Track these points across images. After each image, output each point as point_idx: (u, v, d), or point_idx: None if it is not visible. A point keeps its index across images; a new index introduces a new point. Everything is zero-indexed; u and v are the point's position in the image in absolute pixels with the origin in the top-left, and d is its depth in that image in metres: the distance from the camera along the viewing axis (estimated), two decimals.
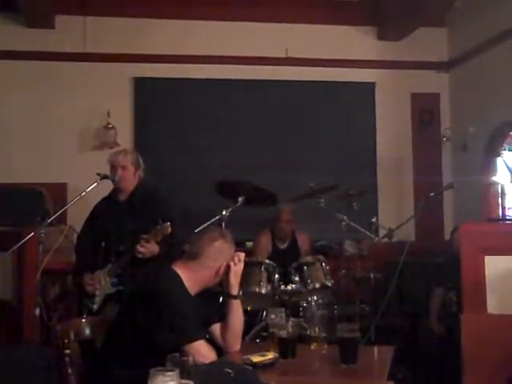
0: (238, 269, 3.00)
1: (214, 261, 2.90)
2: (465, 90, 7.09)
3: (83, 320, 2.99)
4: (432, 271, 5.26)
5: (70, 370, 2.65)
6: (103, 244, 4.47)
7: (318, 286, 4.67)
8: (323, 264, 4.78)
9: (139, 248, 4.06)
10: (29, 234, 4.24)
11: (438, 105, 7.41)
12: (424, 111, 7.36)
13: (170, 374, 1.82)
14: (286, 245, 5.56)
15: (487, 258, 3.45)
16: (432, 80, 7.34)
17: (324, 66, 7.08)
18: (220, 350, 2.88)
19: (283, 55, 7.05)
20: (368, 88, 7.23)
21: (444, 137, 7.27)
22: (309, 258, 4.87)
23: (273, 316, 3.15)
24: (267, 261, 4.72)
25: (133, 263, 4.14)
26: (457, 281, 3.65)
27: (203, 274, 2.87)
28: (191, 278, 2.83)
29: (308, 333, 3.26)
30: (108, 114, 6.60)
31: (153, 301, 2.65)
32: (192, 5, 6.86)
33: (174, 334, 2.59)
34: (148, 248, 4.08)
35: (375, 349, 3.36)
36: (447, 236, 7.03)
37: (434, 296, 4.87)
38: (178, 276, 2.81)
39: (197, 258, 2.88)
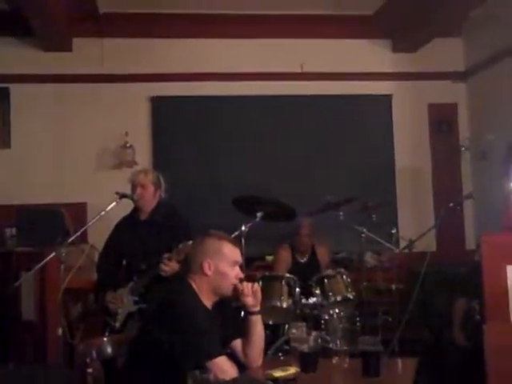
0: (254, 290, 2.94)
1: (201, 261, 2.82)
2: (482, 99, 7.07)
3: (105, 339, 3.00)
4: (454, 281, 5.21)
5: None
6: (124, 262, 4.50)
7: (339, 298, 4.66)
8: (344, 276, 4.77)
9: (163, 267, 4.08)
10: (50, 253, 4.29)
11: (456, 115, 7.39)
12: (442, 121, 7.34)
13: None
14: (305, 258, 5.55)
15: (509, 268, 3.41)
16: (449, 90, 7.33)
17: (340, 80, 7.10)
18: (242, 366, 2.87)
19: (299, 70, 7.07)
20: (385, 100, 7.23)
21: (462, 146, 7.24)
22: (329, 271, 4.85)
23: (294, 330, 3.15)
24: (288, 275, 4.71)
25: (155, 281, 4.16)
26: (479, 290, 3.61)
27: (205, 281, 2.83)
28: (201, 289, 2.82)
29: (330, 346, 3.24)
30: (126, 133, 6.66)
31: (171, 318, 2.65)
32: (207, 23, 6.92)
33: (195, 351, 2.58)
34: (172, 266, 4.10)
35: (399, 361, 3.34)
36: (468, 245, 7.00)
37: (457, 306, 4.82)
38: (193, 290, 2.81)
39: (193, 268, 2.86)
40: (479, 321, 4.24)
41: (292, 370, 2.70)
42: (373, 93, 7.18)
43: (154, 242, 4.36)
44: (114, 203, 4.34)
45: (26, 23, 6.03)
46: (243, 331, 2.95)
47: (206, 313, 2.78)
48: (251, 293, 2.89)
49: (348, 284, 4.73)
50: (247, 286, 2.89)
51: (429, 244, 5.35)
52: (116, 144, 6.75)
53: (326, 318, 4.53)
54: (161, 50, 6.94)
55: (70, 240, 4.35)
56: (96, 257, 4.80)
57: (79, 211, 6.28)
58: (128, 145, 6.70)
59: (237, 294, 2.88)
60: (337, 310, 4.59)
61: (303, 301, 4.60)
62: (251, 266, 5.53)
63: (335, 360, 3.04)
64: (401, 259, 5.59)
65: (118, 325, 4.29)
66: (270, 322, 4.36)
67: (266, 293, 4.39)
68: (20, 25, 6.19)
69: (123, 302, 4.31)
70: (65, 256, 4.24)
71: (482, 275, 3.45)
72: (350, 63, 7.13)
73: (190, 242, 3.87)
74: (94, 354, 2.77)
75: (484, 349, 3.07)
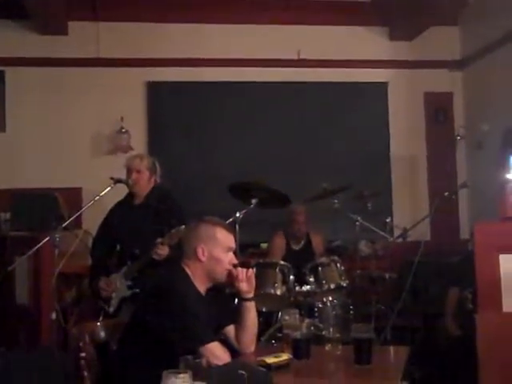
0: (248, 276, 2.94)
1: (195, 247, 2.82)
2: (478, 88, 7.06)
3: (98, 323, 3.00)
4: (447, 270, 5.24)
5: (85, 373, 2.66)
6: (118, 247, 4.51)
7: (333, 286, 4.66)
8: (338, 265, 4.77)
9: (158, 250, 4.09)
10: (44, 238, 4.29)
11: (452, 103, 7.38)
12: (437, 110, 7.34)
13: (182, 376, 1.82)
14: (300, 246, 5.56)
15: (502, 257, 3.42)
16: (445, 79, 7.32)
17: (336, 67, 7.07)
18: (235, 352, 2.88)
19: (295, 57, 7.05)
20: (381, 88, 7.22)
21: (458, 135, 7.25)
22: (323, 259, 4.85)
23: (287, 317, 3.15)
24: (282, 262, 4.71)
25: (149, 266, 4.17)
26: (472, 280, 3.62)
27: (199, 266, 2.83)
28: (195, 274, 2.83)
29: (323, 333, 3.26)
30: (121, 118, 6.64)
31: (164, 303, 2.66)
32: (204, 8, 6.87)
33: (188, 336, 2.59)
34: (165, 251, 4.11)
35: (390, 349, 3.36)
36: (463, 235, 7.02)
37: (450, 296, 4.85)
38: (187, 275, 2.81)
39: (187, 253, 2.87)
40: (471, 310, 4.27)
41: (285, 357, 2.71)
42: (369, 80, 7.16)
43: (147, 226, 4.37)
44: (109, 188, 4.33)
45: (22, 6, 5.99)
46: (236, 317, 2.96)
47: (200, 298, 2.79)
48: (246, 278, 2.90)
49: (342, 272, 4.74)
50: (242, 272, 2.90)
51: (423, 233, 5.37)
52: (111, 129, 6.73)
53: (320, 305, 4.55)
54: (157, 35, 6.89)
55: (64, 225, 4.35)
56: (90, 242, 4.81)
57: (74, 196, 6.27)
58: (123, 130, 6.68)
59: (231, 279, 2.89)
60: (330, 298, 4.61)
61: (297, 288, 4.60)
62: (245, 253, 5.53)
63: (328, 347, 3.06)
64: (395, 248, 5.60)
65: (111, 309, 4.31)
66: (264, 309, 4.37)
67: (260, 280, 4.38)
68: (15, 7, 6.14)
69: (117, 286, 4.33)
70: (59, 241, 4.23)
71: (475, 264, 3.46)
72: (346, 50, 7.10)
73: (183, 227, 3.88)
74: (88, 338, 2.78)
75: (475, 338, 3.09)
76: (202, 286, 2.84)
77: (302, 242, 5.56)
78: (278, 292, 4.51)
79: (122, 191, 4.57)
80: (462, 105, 7.36)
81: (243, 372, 2.12)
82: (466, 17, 7.14)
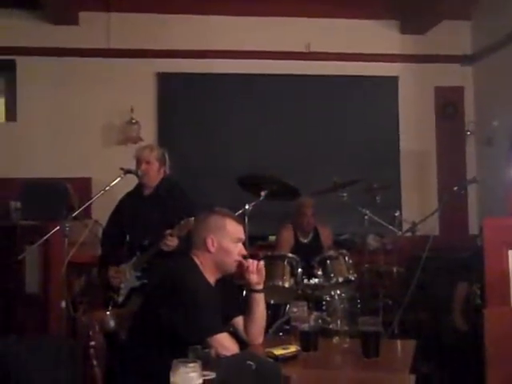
0: (259, 268, 2.96)
1: (205, 237, 2.84)
2: (489, 83, 7.03)
3: (108, 312, 3.02)
4: (456, 265, 5.23)
5: (94, 362, 2.67)
6: (128, 238, 4.53)
7: (341, 280, 4.66)
8: (346, 258, 4.77)
9: (168, 242, 4.10)
10: (54, 227, 4.31)
11: (462, 98, 7.35)
12: (448, 105, 7.31)
13: (191, 365, 1.84)
14: (308, 239, 5.56)
15: (511, 252, 3.42)
16: (456, 73, 7.29)
17: (347, 61, 7.06)
18: (243, 343, 2.89)
19: (305, 50, 7.04)
20: (391, 82, 7.20)
21: (468, 131, 7.22)
22: (332, 252, 4.85)
23: (295, 309, 3.16)
24: (290, 255, 4.72)
25: (158, 257, 4.19)
26: (481, 275, 3.63)
27: (208, 257, 2.84)
28: (204, 265, 2.84)
29: (330, 326, 3.26)
30: (131, 109, 6.65)
31: (174, 293, 2.67)
32: (215, 0, 6.87)
33: (197, 326, 2.60)
34: (174, 242, 4.13)
35: (398, 342, 3.36)
36: (472, 230, 7.01)
37: (458, 291, 4.85)
38: (196, 266, 2.83)
39: (196, 244, 2.88)
40: (480, 305, 4.27)
41: (292, 349, 2.72)
42: (379, 74, 7.14)
43: (156, 217, 4.38)
44: (119, 179, 4.34)
45: None
46: (245, 309, 2.97)
47: (210, 289, 2.80)
48: (256, 270, 2.92)
49: (350, 266, 4.74)
50: (252, 263, 2.91)
51: (432, 228, 5.38)
52: (121, 120, 6.74)
53: (328, 298, 4.55)
54: (168, 26, 6.90)
55: (74, 215, 4.37)
56: (99, 232, 4.83)
57: (84, 186, 6.28)
58: (133, 121, 6.69)
59: (241, 270, 2.90)
60: (338, 291, 4.61)
61: (305, 281, 4.61)
62: (254, 245, 5.54)
63: (335, 340, 3.06)
64: (403, 242, 5.60)
65: (120, 299, 4.33)
66: (272, 302, 4.37)
67: (268, 272, 4.35)
68: None
69: (126, 277, 4.35)
70: (69, 230, 4.25)
71: (484, 259, 3.47)
72: (356, 44, 7.09)
73: (192, 219, 3.88)
74: (97, 327, 2.79)
75: (483, 333, 3.09)
76: (211, 277, 2.85)
77: (310, 235, 5.56)
78: (286, 284, 4.52)
79: (131, 182, 4.58)
80: (473, 100, 7.33)
81: (251, 363, 2.13)
82: (477, 11, 7.10)
